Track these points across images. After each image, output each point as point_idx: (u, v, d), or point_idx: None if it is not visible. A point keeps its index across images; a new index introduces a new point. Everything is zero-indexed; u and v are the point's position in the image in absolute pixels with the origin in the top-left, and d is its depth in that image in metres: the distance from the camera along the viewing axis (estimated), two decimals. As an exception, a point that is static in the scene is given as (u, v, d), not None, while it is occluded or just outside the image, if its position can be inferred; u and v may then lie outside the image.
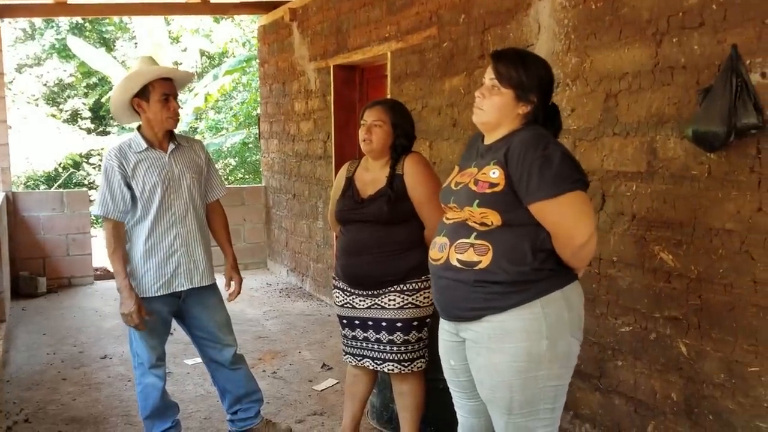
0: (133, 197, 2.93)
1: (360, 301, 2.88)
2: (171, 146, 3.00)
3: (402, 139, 2.85)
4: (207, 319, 3.11)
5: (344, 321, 2.97)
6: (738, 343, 2.38)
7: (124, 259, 2.92)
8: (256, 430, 3.27)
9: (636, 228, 2.77)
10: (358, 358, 2.98)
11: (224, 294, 3.22)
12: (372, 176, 2.87)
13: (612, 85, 2.84)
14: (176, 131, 3.08)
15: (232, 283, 3.22)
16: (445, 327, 2.23)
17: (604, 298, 2.94)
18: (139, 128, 3.00)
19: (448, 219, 2.14)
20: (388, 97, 4.70)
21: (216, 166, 3.23)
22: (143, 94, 2.90)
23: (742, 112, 2.24)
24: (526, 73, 2.04)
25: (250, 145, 13.12)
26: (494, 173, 2.00)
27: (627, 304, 2.84)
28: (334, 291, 3.00)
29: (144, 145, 2.95)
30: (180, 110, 3.03)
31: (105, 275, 7.38)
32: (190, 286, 3.01)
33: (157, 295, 2.96)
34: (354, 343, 2.97)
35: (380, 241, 2.77)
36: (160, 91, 2.90)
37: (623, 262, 2.84)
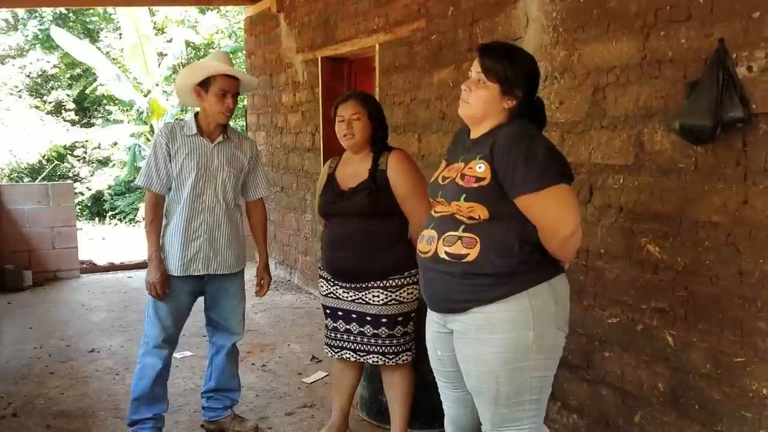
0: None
1: (343, 292, 2.89)
2: (219, 138, 3.12)
3: (380, 130, 2.88)
4: (225, 304, 3.23)
5: (327, 311, 2.99)
6: (724, 334, 2.41)
7: (158, 232, 3.07)
8: (223, 423, 3.34)
9: (623, 220, 2.79)
10: (336, 350, 2.99)
11: (250, 290, 3.35)
12: (352, 169, 2.88)
13: (600, 78, 2.86)
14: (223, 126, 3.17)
15: (261, 282, 3.35)
16: (432, 318, 2.25)
17: (591, 289, 2.97)
18: (196, 114, 3.14)
19: (436, 212, 2.15)
20: (377, 89, 4.69)
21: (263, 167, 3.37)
22: (205, 84, 3.03)
23: (728, 105, 2.26)
24: (512, 68, 2.06)
25: (236, 137, 13.04)
26: (480, 167, 2.01)
27: (614, 296, 2.86)
28: (320, 280, 3.02)
29: (194, 130, 3.08)
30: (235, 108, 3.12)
31: (91, 268, 7.35)
32: (206, 272, 3.11)
33: (176, 274, 3.06)
34: (334, 335, 2.98)
35: (363, 235, 2.78)
36: (219, 85, 3.02)
37: (610, 254, 2.87)
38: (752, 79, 2.25)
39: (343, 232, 2.83)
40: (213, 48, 14.18)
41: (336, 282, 2.90)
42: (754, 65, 2.24)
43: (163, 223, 3.11)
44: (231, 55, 11.65)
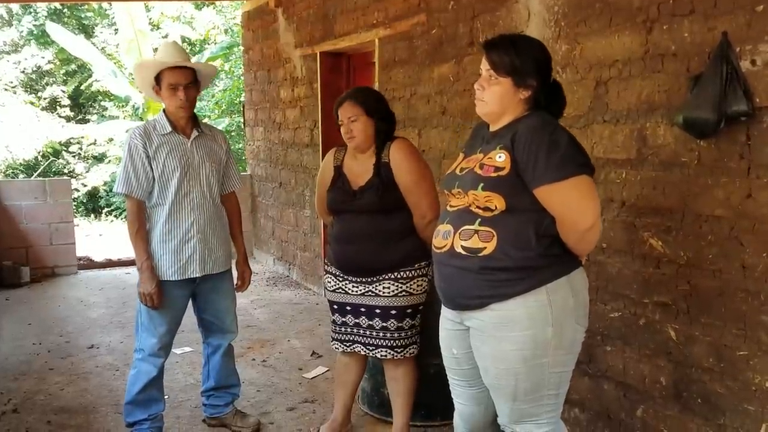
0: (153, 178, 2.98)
1: (353, 287, 2.88)
2: (194, 133, 3.03)
3: (381, 124, 2.83)
4: (217, 303, 3.18)
5: (335, 307, 2.98)
6: (727, 328, 2.41)
7: (146, 239, 2.97)
8: (225, 418, 3.33)
9: (626, 215, 2.79)
10: (348, 344, 2.98)
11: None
12: (361, 166, 2.86)
13: (602, 72, 2.85)
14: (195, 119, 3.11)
15: (244, 275, 3.29)
16: (447, 316, 2.23)
17: (593, 284, 2.95)
18: (164, 110, 3.05)
19: (451, 206, 2.14)
20: (376, 84, 4.68)
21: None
22: (158, 81, 2.96)
23: (732, 99, 2.25)
24: (519, 58, 2.05)
25: (233, 133, 13.03)
26: (500, 157, 2.00)
27: (616, 290, 2.86)
28: (326, 276, 3.00)
29: (169, 128, 2.99)
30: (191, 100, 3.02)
31: (89, 264, 7.33)
32: (204, 273, 3.05)
33: (172, 279, 2.99)
34: (344, 329, 2.97)
35: (374, 230, 2.78)
36: (167, 80, 2.94)
37: (613, 248, 2.87)
38: (756, 73, 2.24)
39: (354, 227, 2.81)
40: (209, 44, 14.14)
41: (345, 277, 2.90)
42: (758, 59, 2.24)
43: (149, 228, 3.01)
44: (228, 51, 11.63)
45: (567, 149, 1.95)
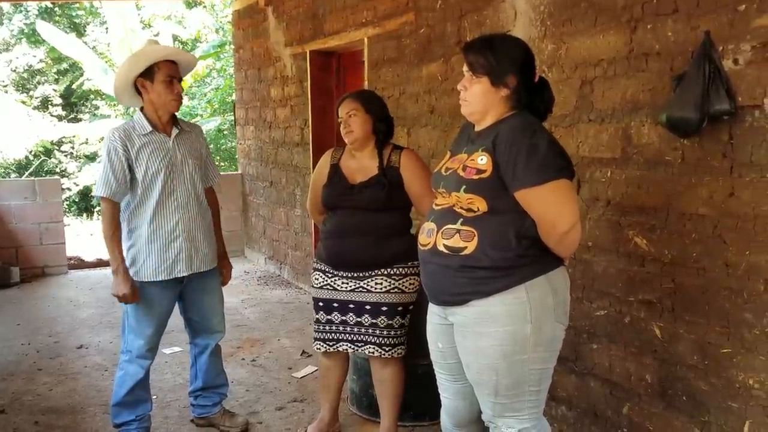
0: (134, 180, 2.93)
1: (342, 283, 2.89)
2: (175, 131, 3.00)
3: (380, 124, 2.87)
4: (205, 303, 3.17)
5: (320, 304, 2.97)
6: (710, 326, 2.42)
7: (120, 242, 2.93)
8: (213, 418, 3.32)
9: (611, 213, 2.80)
10: (332, 343, 2.98)
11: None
12: (359, 164, 2.89)
13: (587, 71, 2.86)
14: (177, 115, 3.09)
15: (223, 271, 3.28)
16: (434, 310, 2.27)
17: (579, 282, 2.98)
18: (142, 109, 2.99)
19: (437, 205, 2.17)
20: (365, 83, 4.69)
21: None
22: (148, 74, 2.89)
23: (714, 98, 2.26)
24: (495, 57, 2.07)
25: (225, 132, 13.01)
26: (482, 159, 2.03)
27: (602, 288, 2.88)
28: (314, 273, 3.00)
29: (149, 127, 2.94)
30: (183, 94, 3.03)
31: (79, 264, 7.30)
32: (190, 272, 3.03)
33: (158, 279, 2.96)
34: (329, 328, 2.97)
35: (370, 226, 2.80)
36: (165, 72, 2.90)
37: (598, 246, 2.88)
38: (738, 72, 2.26)
39: (349, 222, 2.83)
40: (200, 43, 14.10)
41: (336, 273, 2.90)
42: (740, 58, 2.25)
43: (127, 229, 2.96)
44: (219, 49, 11.62)
45: (546, 153, 1.97)
